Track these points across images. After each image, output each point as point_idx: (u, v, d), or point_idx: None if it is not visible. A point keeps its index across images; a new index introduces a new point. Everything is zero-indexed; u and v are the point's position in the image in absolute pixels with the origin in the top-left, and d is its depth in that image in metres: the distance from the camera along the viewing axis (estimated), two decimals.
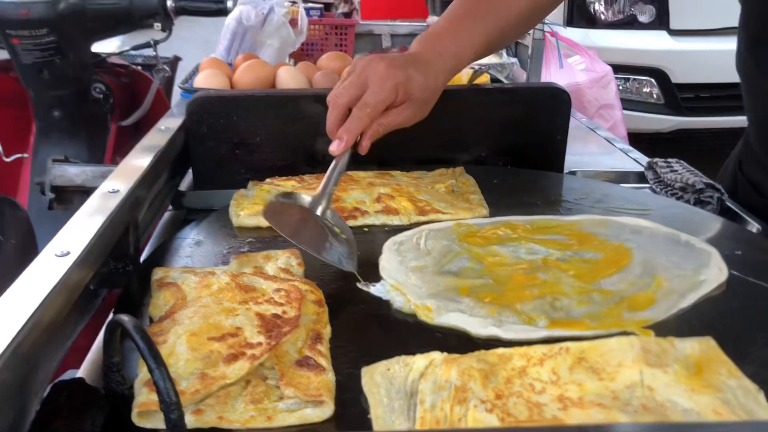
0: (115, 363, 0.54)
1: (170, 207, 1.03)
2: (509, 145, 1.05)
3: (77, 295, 0.59)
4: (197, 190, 1.02)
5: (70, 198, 1.27)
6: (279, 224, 0.74)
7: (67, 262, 0.57)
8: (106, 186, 0.74)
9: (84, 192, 1.25)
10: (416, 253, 0.77)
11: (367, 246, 0.79)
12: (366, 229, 0.85)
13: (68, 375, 0.63)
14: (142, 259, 0.79)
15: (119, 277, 0.73)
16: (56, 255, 0.58)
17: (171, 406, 0.46)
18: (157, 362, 0.47)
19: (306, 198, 0.75)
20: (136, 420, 0.51)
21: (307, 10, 1.79)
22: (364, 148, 0.80)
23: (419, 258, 0.76)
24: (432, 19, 2.00)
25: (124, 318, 0.49)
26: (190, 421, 0.51)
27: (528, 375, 0.54)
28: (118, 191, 0.72)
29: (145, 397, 0.52)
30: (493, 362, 0.56)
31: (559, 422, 0.49)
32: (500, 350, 0.57)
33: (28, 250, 1.17)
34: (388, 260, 0.75)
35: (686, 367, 0.55)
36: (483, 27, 0.89)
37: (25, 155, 1.61)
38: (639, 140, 2.66)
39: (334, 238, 0.75)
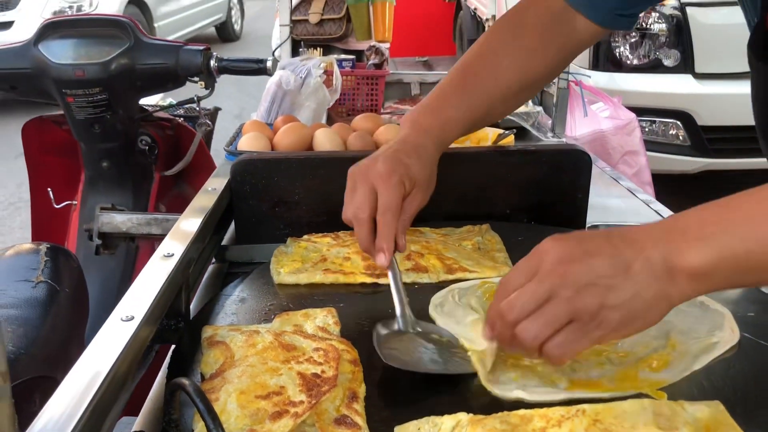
0: (174, 420, 0.60)
1: (213, 260, 1.10)
2: (532, 203, 1.10)
3: (141, 354, 0.66)
4: (239, 245, 1.09)
5: (115, 243, 1.35)
6: (402, 363, 0.72)
7: (133, 326, 0.64)
8: (162, 249, 0.81)
9: (129, 238, 1.34)
10: (463, 310, 0.80)
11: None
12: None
13: (123, 421, 0.70)
14: (191, 315, 0.86)
15: (172, 333, 0.80)
16: (122, 320, 0.65)
17: None
18: (215, 423, 0.53)
19: (393, 325, 0.76)
20: None
21: (339, 62, 1.88)
22: (403, 246, 0.83)
23: (467, 314, 0.79)
24: (459, 54, 2.07)
25: (185, 381, 0.56)
26: None
27: None
28: (173, 255, 0.79)
29: None
30: (515, 423, 0.61)
31: None
32: (522, 411, 0.63)
33: (80, 297, 1.25)
34: (445, 324, 0.79)
35: (695, 430, 0.60)
36: (468, 103, 0.92)
37: (74, 203, 1.70)
38: (666, 181, 2.69)
39: (435, 347, 0.75)
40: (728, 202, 0.61)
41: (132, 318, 0.65)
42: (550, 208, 1.11)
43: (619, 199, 1.43)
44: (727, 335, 0.76)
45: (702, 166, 2.99)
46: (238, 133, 1.30)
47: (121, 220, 1.31)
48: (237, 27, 9.06)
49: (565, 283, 0.59)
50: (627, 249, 0.60)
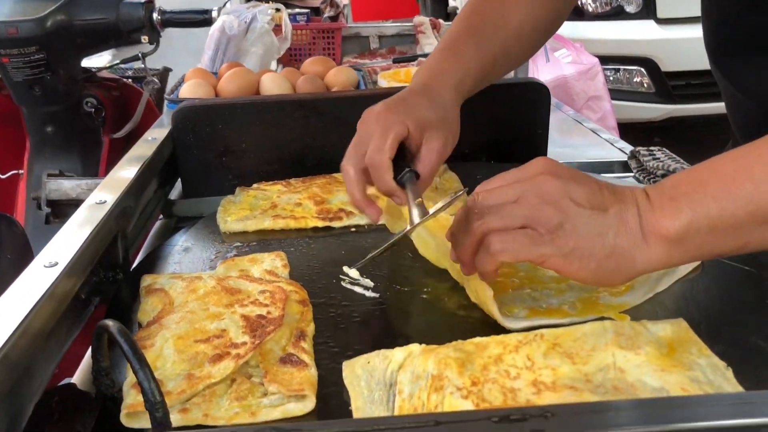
0: (104, 368, 0.56)
1: (161, 216, 1.05)
2: (491, 140, 1.07)
3: (66, 304, 0.61)
4: (186, 199, 1.04)
5: (66, 211, 1.29)
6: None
7: (55, 273, 0.59)
8: (93, 197, 0.76)
9: (80, 205, 1.28)
10: None
11: (356, 245, 0.81)
12: (353, 230, 0.87)
13: (66, 383, 0.65)
14: (132, 267, 0.81)
15: (109, 285, 0.75)
16: (44, 266, 0.60)
17: (155, 405, 0.48)
18: (140, 364, 0.49)
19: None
20: (125, 421, 0.53)
21: (294, 15, 1.81)
22: (401, 199, 0.70)
23: None
24: (418, 18, 2.01)
25: (109, 323, 0.51)
26: (176, 419, 0.53)
27: (503, 362, 0.56)
28: (105, 202, 0.74)
29: (132, 399, 0.54)
30: (469, 351, 0.57)
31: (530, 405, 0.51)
32: (477, 339, 0.59)
33: (24, 265, 1.19)
34: None
35: (658, 348, 0.57)
36: (481, 44, 0.84)
37: (21, 171, 1.63)
38: (631, 130, 2.67)
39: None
40: (699, 167, 0.58)
41: (55, 264, 0.60)
42: (509, 145, 1.08)
43: (583, 139, 1.40)
44: None
45: (667, 113, 2.98)
46: (180, 82, 1.24)
47: (70, 187, 1.25)
48: None
49: (536, 191, 0.57)
50: (609, 196, 0.57)
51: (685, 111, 2.99)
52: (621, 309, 0.66)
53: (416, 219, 0.68)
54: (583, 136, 1.42)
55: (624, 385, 0.53)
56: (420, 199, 0.69)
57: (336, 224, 0.87)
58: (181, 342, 0.60)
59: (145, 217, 0.95)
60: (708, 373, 0.54)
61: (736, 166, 0.56)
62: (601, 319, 0.63)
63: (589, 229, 0.56)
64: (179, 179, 1.06)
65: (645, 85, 2.97)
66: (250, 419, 0.53)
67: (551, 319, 0.64)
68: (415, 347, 0.58)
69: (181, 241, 0.85)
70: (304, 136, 1.02)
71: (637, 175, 1.08)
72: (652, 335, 0.59)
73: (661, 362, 0.55)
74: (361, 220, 0.88)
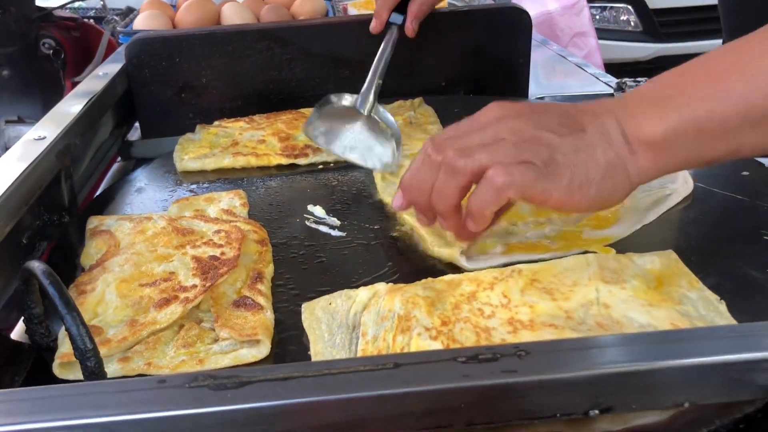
0: (36, 315, 0.50)
1: (119, 159, 0.99)
2: (469, 72, 1.00)
3: (1, 249, 0.55)
4: (145, 140, 0.97)
5: None
6: (318, 137, 0.75)
7: None
8: (32, 133, 0.69)
9: None
10: None
11: (322, 184, 0.75)
12: (320, 167, 0.81)
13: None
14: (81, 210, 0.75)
15: (54, 228, 0.69)
16: None
17: (86, 353, 0.43)
18: (68, 307, 0.43)
19: (347, 99, 0.76)
20: (58, 372, 0.48)
21: None
22: (412, 29, 0.78)
23: None
24: None
25: (34, 264, 0.46)
26: (116, 369, 0.48)
27: (477, 300, 0.51)
28: (44, 138, 0.68)
29: (67, 348, 0.48)
30: (440, 289, 0.53)
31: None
32: (448, 277, 0.54)
33: None
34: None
35: (645, 282, 0.52)
36: None
37: None
38: (618, 71, 2.60)
39: (377, 139, 0.75)
40: (684, 67, 0.52)
41: None
42: (488, 77, 1.01)
43: (568, 75, 1.34)
44: (681, 186, 0.69)
45: (654, 52, 2.90)
46: (135, 14, 1.16)
47: None
48: None
49: (511, 130, 0.50)
50: (580, 115, 0.51)
51: (673, 50, 2.91)
52: (606, 243, 0.61)
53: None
54: (569, 71, 1.36)
55: (608, 322, 0.48)
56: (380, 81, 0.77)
57: (301, 161, 0.81)
58: (124, 286, 0.55)
59: (99, 158, 0.89)
60: (699, 307, 0.50)
61: (725, 63, 0.50)
62: (584, 253, 0.58)
63: (577, 154, 0.49)
64: (138, 120, 0.99)
65: (632, 23, 2.88)
66: (197, 367, 0.48)
67: (529, 255, 0.59)
68: (381, 286, 0.53)
69: (133, 181, 0.78)
70: (268, 69, 0.95)
71: None
72: (639, 268, 0.55)
73: (648, 296, 0.50)
74: (329, 157, 0.82)
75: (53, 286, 0.44)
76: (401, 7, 0.85)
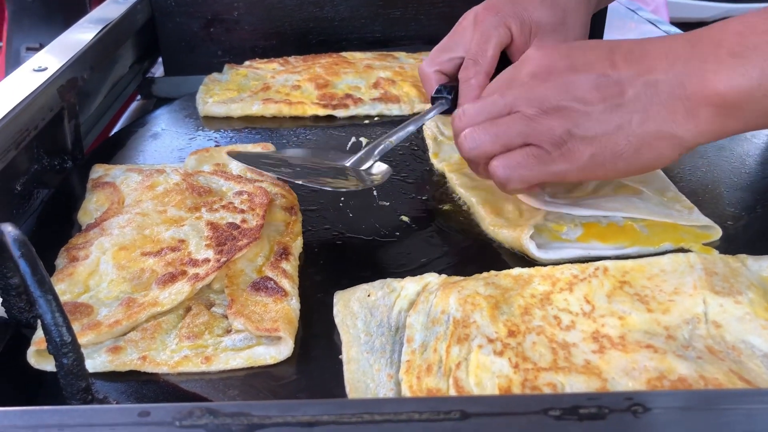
0: (14, 285, 0.41)
1: (139, 97, 0.89)
2: None
3: None
4: (168, 77, 0.88)
5: None
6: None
7: None
8: (33, 62, 0.60)
9: None
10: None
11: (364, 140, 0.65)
12: (366, 121, 0.70)
13: None
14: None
15: (54, 175, 0.60)
16: None
17: (63, 347, 0.34)
18: (42, 288, 0.34)
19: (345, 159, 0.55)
20: (34, 361, 0.39)
21: None
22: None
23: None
24: None
25: (7, 228, 0.36)
26: (103, 362, 0.39)
27: (552, 304, 0.41)
28: (45, 69, 0.58)
29: None
30: (506, 286, 0.42)
31: (592, 373, 0.36)
32: (516, 270, 0.44)
33: None
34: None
35: (764, 295, 0.42)
36: None
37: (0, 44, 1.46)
38: (684, 31, 2.42)
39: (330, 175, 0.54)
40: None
41: None
42: None
43: (639, 32, 1.20)
44: None
45: (721, 12, 2.70)
46: None
47: None
48: None
49: (530, 99, 0.46)
50: (628, 68, 0.44)
51: (740, 11, 2.71)
52: (706, 240, 0.50)
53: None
54: (639, 28, 1.22)
55: (722, 348, 0.38)
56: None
57: (340, 113, 0.70)
58: (123, 254, 0.45)
59: (114, 95, 0.79)
60: None
61: None
62: (680, 251, 0.48)
63: (604, 126, 0.44)
64: (161, 55, 0.89)
65: None
66: (202, 367, 0.39)
67: (613, 247, 0.49)
68: (432, 278, 0.43)
69: (149, 125, 0.69)
70: (308, 5, 0.84)
71: None
72: (755, 275, 0.44)
73: None
74: (372, 108, 0.71)
75: (25, 259, 0.35)
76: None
